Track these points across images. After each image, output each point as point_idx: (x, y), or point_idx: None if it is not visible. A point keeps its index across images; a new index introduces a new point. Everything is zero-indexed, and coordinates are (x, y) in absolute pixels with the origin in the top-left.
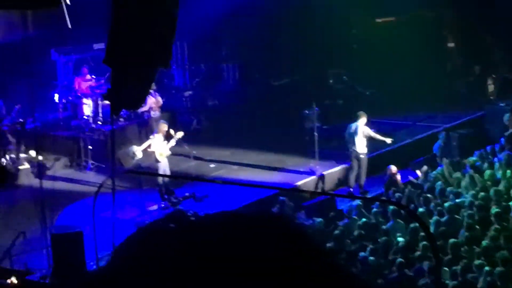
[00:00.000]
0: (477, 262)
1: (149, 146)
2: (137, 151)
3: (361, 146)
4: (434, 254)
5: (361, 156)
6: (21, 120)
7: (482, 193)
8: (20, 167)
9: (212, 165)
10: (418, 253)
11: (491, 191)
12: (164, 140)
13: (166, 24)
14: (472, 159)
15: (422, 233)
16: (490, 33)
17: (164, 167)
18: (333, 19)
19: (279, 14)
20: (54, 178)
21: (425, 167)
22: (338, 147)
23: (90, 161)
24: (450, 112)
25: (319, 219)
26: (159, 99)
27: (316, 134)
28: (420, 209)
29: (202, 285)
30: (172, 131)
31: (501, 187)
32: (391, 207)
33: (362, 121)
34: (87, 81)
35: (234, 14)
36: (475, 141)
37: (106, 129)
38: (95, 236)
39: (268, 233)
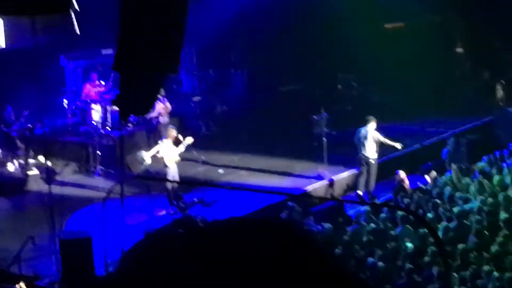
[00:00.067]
0: (486, 268)
1: (157, 151)
2: (146, 156)
3: (370, 151)
4: (443, 260)
5: (371, 161)
6: (30, 125)
7: (490, 199)
8: (29, 173)
9: (220, 171)
10: (427, 259)
11: (500, 197)
12: (173, 146)
13: (175, 30)
14: (481, 164)
15: (431, 239)
16: (499, 38)
17: (173, 172)
18: (342, 24)
19: (288, 20)
20: (62, 183)
21: (434, 173)
22: (346, 153)
23: (99, 167)
24: (458, 118)
25: (328, 225)
26: (168, 104)
27: (324, 139)
28: (429, 215)
29: None
30: (180, 137)
31: (510, 192)
32: (400, 212)
33: (371, 125)
34: (96, 87)
35: (243, 20)
36: (484, 147)
37: (114, 135)
38: (104, 241)
39: (276, 239)
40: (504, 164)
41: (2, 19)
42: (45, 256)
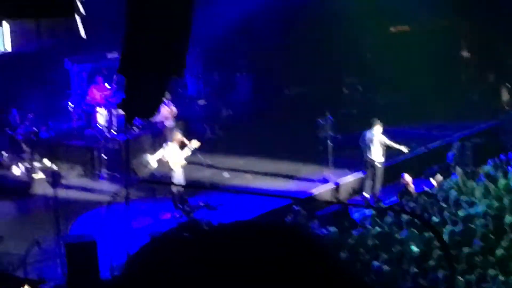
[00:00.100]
0: (491, 271)
1: (163, 155)
2: (151, 160)
3: (376, 154)
4: (449, 263)
5: (377, 164)
6: (35, 129)
7: (496, 203)
8: (34, 176)
9: (225, 174)
10: (432, 262)
11: (505, 201)
12: (179, 149)
13: (180, 33)
14: (486, 168)
15: (437, 243)
16: (504, 42)
17: (178, 176)
18: (347, 28)
19: (293, 23)
20: (68, 187)
21: (439, 176)
22: (352, 156)
23: (104, 170)
24: (464, 121)
25: (333, 229)
26: (173, 108)
27: (330, 143)
28: (434, 219)
29: None
30: (186, 140)
31: None
32: (405, 216)
33: (377, 129)
34: (101, 90)
35: (249, 24)
36: (489, 150)
37: (120, 139)
38: (109, 245)
39: (281, 243)
40: (510, 168)
41: (8, 22)
42: (50, 260)
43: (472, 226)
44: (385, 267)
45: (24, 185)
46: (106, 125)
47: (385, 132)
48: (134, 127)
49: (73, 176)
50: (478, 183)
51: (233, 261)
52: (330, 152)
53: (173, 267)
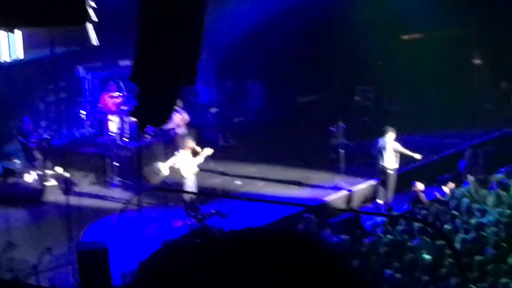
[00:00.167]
0: (503, 280)
1: (174, 162)
2: (163, 168)
3: (389, 161)
4: (461, 271)
5: (389, 171)
6: (47, 136)
7: (508, 211)
8: (47, 184)
9: (238, 182)
10: (444, 270)
11: None
12: (191, 157)
13: (193, 41)
14: (499, 176)
15: (449, 251)
16: None
17: (190, 183)
18: (359, 35)
19: (306, 31)
20: (80, 194)
21: (451, 184)
22: (364, 164)
23: (116, 178)
24: (476, 129)
25: (345, 237)
26: (185, 116)
27: (342, 150)
28: (446, 227)
29: None
30: (198, 148)
31: None
32: (417, 224)
33: (390, 136)
34: (113, 98)
35: (261, 32)
36: (502, 158)
37: (132, 146)
38: (121, 252)
39: (292, 250)
40: None
41: (20, 30)
42: (62, 267)
43: (484, 234)
44: (397, 275)
45: (36, 193)
46: (118, 132)
47: (398, 140)
48: (146, 135)
49: (85, 183)
50: (490, 191)
51: (244, 267)
52: (342, 159)
53: (185, 274)
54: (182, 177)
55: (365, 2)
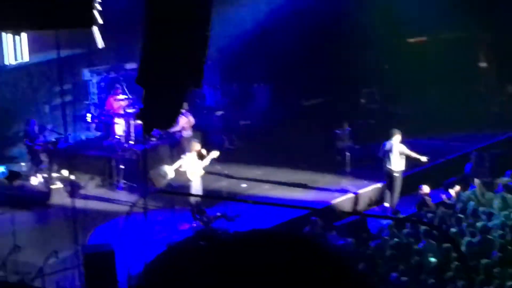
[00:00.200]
0: (510, 283)
1: (180, 165)
2: (169, 170)
3: (396, 164)
4: (467, 275)
5: (395, 174)
6: (53, 139)
7: None
8: (53, 187)
9: (243, 185)
10: (450, 273)
11: None
12: (197, 160)
13: (198, 44)
14: (505, 179)
15: (455, 254)
16: None
17: (196, 186)
18: (365, 38)
19: (311, 34)
20: (86, 197)
21: (457, 187)
22: (369, 167)
23: (122, 181)
24: (482, 132)
25: (351, 239)
26: (191, 118)
27: (347, 153)
28: (453, 230)
29: None
30: (204, 151)
31: None
32: (423, 227)
33: (396, 138)
34: (119, 101)
35: (267, 34)
36: (508, 161)
37: (138, 149)
38: (127, 255)
39: (297, 253)
40: None
41: (26, 33)
42: (68, 270)
43: (490, 237)
44: (403, 278)
45: (42, 195)
46: (124, 135)
47: (403, 143)
48: (151, 137)
49: (91, 186)
50: (496, 194)
51: (249, 269)
52: (348, 162)
53: (189, 276)
54: (188, 180)
55: (371, 5)
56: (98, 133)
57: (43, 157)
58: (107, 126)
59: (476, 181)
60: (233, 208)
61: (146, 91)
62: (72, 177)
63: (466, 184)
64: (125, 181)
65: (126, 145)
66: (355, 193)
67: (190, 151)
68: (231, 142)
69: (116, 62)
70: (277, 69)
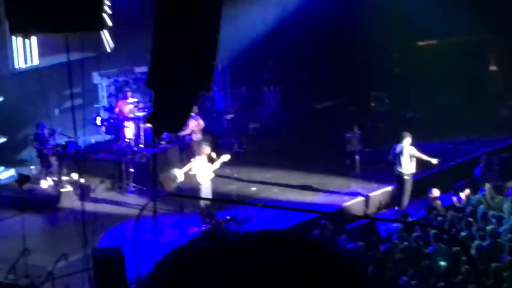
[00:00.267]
0: None
1: (190, 168)
2: (179, 174)
3: (406, 167)
4: (476, 278)
5: (405, 177)
6: (63, 143)
7: None
8: (62, 190)
9: (253, 188)
10: (460, 277)
11: None
12: (207, 163)
13: (208, 48)
14: None
15: (464, 257)
16: None
17: (206, 189)
18: (375, 42)
19: (321, 37)
20: (96, 200)
21: (467, 191)
22: (379, 170)
23: (132, 184)
24: (491, 135)
25: (360, 243)
26: (201, 122)
27: (357, 157)
28: (462, 233)
29: None
30: (213, 154)
31: None
32: (433, 231)
33: (407, 141)
34: (129, 104)
35: (276, 38)
36: None
37: (147, 152)
38: (136, 259)
39: (306, 256)
40: None
41: (36, 36)
42: (78, 274)
43: (500, 241)
44: (413, 282)
45: (52, 199)
46: (133, 138)
47: (413, 146)
48: (161, 141)
49: (101, 189)
50: (506, 197)
51: (254, 271)
52: (357, 166)
53: (196, 276)
54: (198, 183)
55: (380, 8)
56: (108, 137)
57: (53, 160)
58: (117, 130)
59: (486, 185)
60: (243, 212)
61: (155, 95)
62: (82, 180)
63: (476, 188)
64: (134, 185)
65: (136, 148)
66: (365, 196)
67: (200, 154)
68: (241, 145)
69: (126, 66)
70: (287, 72)
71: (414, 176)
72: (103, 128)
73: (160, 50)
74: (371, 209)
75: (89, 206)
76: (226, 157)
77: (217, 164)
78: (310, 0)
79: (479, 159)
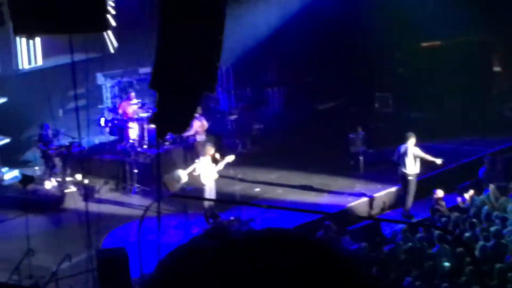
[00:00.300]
0: None
1: (194, 169)
2: (183, 174)
3: (410, 167)
4: (480, 279)
5: (410, 178)
6: (67, 143)
7: None
8: (66, 191)
9: (257, 189)
10: (464, 278)
11: None
12: (211, 164)
13: (212, 49)
14: None
15: (468, 258)
16: None
17: (210, 190)
18: (378, 43)
19: (325, 38)
20: (99, 201)
21: (471, 192)
22: (383, 171)
23: (136, 185)
24: (495, 136)
25: (364, 244)
26: (205, 123)
27: (361, 157)
28: (466, 234)
29: None
30: (217, 155)
31: None
32: (437, 231)
33: (411, 142)
34: (133, 105)
35: (280, 39)
36: None
37: (151, 153)
38: (140, 259)
39: (312, 257)
40: None
41: (40, 37)
42: (82, 274)
43: (504, 241)
44: (417, 283)
45: (56, 199)
46: (137, 139)
47: (417, 147)
48: (165, 142)
49: (104, 190)
50: (510, 198)
51: (256, 269)
52: (361, 166)
53: (198, 274)
54: (202, 184)
55: (385, 9)
56: (112, 137)
57: (57, 161)
58: (120, 130)
59: (491, 185)
60: (247, 212)
61: (159, 96)
62: (86, 181)
63: (480, 189)
64: (138, 185)
65: (139, 149)
66: (370, 197)
67: (204, 155)
68: (245, 146)
69: (130, 67)
70: (291, 73)
71: (418, 177)
72: (107, 129)
73: (164, 51)
74: (375, 210)
75: (93, 207)
76: (230, 158)
77: (221, 165)
78: (314, 1)
79: (483, 159)
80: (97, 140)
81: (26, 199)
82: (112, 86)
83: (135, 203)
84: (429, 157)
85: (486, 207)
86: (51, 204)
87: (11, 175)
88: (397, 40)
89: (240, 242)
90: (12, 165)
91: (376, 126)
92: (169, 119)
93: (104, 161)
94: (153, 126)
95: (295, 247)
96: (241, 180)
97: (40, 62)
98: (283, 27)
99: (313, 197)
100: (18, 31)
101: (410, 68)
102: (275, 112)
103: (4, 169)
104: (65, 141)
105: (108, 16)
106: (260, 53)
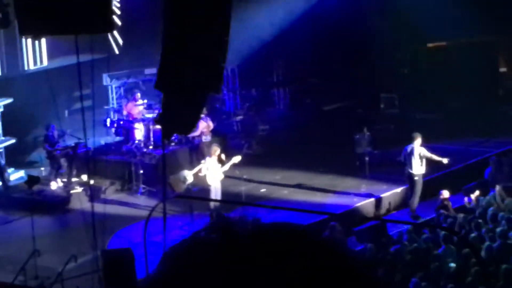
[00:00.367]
0: None
1: (200, 170)
2: (188, 175)
3: (416, 167)
4: (486, 280)
5: (415, 178)
6: (73, 144)
7: None
8: (72, 191)
9: (263, 189)
10: (469, 279)
11: None
12: (217, 164)
13: (217, 49)
14: None
15: (474, 259)
16: None
17: (215, 191)
18: (384, 44)
19: (330, 39)
20: (105, 202)
21: (477, 192)
22: (388, 172)
23: (141, 186)
24: (501, 137)
25: (370, 244)
26: (210, 123)
27: (367, 158)
28: (472, 235)
29: None
30: (223, 156)
31: None
32: (443, 232)
33: (417, 142)
34: (138, 106)
35: (286, 40)
36: None
37: (157, 154)
38: (146, 260)
39: (318, 256)
40: None
41: (46, 38)
42: (88, 275)
43: (510, 242)
44: (423, 284)
45: (62, 200)
46: (143, 140)
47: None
48: (171, 142)
49: (110, 191)
50: None
51: (260, 266)
52: (367, 167)
53: (201, 266)
54: (208, 184)
55: (390, 10)
56: (118, 138)
57: (63, 161)
58: (126, 131)
59: (496, 186)
60: (252, 213)
61: (165, 96)
62: (92, 181)
63: (485, 189)
64: (144, 186)
65: (145, 150)
66: (376, 197)
67: (209, 155)
68: (250, 147)
69: (135, 67)
70: (296, 74)
71: (424, 177)
72: (113, 130)
73: (170, 52)
74: (381, 211)
75: (99, 208)
76: (236, 159)
77: (227, 166)
78: (319, 2)
79: (489, 160)
80: (103, 140)
81: (32, 199)
82: (118, 87)
83: (141, 204)
84: (436, 157)
85: (492, 208)
86: (57, 205)
87: (17, 175)
88: (403, 41)
89: (243, 237)
90: (18, 166)
91: (382, 127)
92: (174, 119)
93: (110, 162)
94: (158, 126)
95: (300, 245)
96: (247, 180)
97: (45, 62)
98: (288, 28)
99: (318, 197)
100: (24, 32)
101: (416, 69)
102: (281, 112)
103: (10, 170)
104: (71, 141)
105: (114, 16)
106: (266, 54)
